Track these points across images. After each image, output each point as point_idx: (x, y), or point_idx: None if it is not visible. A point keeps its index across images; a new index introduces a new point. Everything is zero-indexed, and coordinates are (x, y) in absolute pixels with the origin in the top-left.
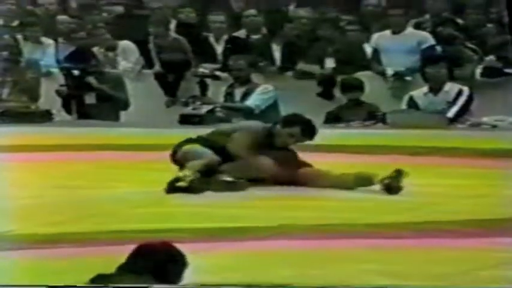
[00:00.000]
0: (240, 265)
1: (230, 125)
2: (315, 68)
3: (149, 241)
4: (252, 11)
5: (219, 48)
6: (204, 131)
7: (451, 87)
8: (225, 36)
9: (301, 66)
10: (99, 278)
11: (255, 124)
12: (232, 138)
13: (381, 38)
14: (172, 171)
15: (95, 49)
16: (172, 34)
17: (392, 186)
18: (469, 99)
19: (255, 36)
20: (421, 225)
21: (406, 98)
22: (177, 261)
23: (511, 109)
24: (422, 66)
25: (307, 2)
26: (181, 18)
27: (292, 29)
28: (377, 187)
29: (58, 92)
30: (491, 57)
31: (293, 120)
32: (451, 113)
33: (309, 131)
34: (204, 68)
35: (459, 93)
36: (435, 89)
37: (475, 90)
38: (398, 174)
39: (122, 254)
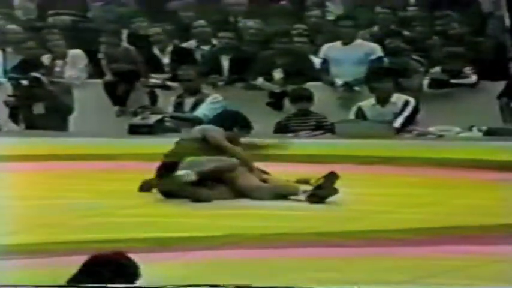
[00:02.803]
0: (189, 274)
1: (190, 134)
2: (266, 85)
3: (101, 252)
4: (202, 22)
5: (166, 59)
6: (153, 140)
7: (397, 99)
8: (170, 48)
9: (252, 81)
10: None
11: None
12: (212, 137)
13: (330, 49)
14: (121, 180)
15: (44, 57)
16: (124, 44)
17: (318, 195)
18: (415, 110)
19: (204, 47)
20: (369, 234)
21: (354, 108)
22: (129, 272)
23: (457, 119)
24: (368, 79)
25: (256, 13)
26: (132, 28)
27: (241, 40)
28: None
29: (6, 103)
30: (436, 69)
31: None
32: (398, 123)
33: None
34: (155, 78)
35: (405, 104)
36: (382, 101)
37: (422, 101)
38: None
39: (72, 264)
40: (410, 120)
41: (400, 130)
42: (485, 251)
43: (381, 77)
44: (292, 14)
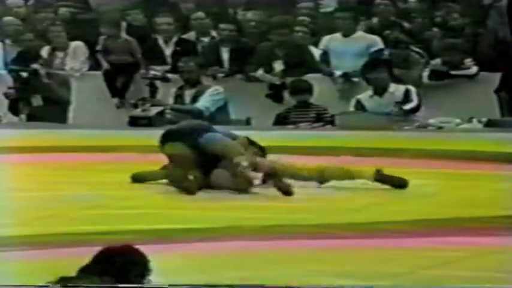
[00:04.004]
0: (191, 266)
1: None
2: (266, 77)
3: (112, 244)
4: (201, 14)
5: (168, 50)
6: (153, 132)
7: (396, 88)
8: (174, 39)
9: (252, 73)
10: (61, 281)
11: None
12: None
13: (331, 41)
14: (121, 172)
15: (44, 49)
16: (123, 35)
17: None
18: (419, 97)
19: (204, 39)
20: (368, 225)
21: (353, 101)
22: (140, 264)
23: (457, 111)
24: (363, 71)
25: (256, 4)
26: (129, 20)
27: (241, 32)
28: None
29: (6, 95)
30: (437, 61)
31: None
32: (408, 106)
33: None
34: (155, 70)
35: (407, 91)
36: (380, 91)
37: (422, 93)
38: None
39: (71, 256)
40: (419, 106)
41: (407, 112)
42: (485, 242)
43: (374, 68)
44: (292, 6)
